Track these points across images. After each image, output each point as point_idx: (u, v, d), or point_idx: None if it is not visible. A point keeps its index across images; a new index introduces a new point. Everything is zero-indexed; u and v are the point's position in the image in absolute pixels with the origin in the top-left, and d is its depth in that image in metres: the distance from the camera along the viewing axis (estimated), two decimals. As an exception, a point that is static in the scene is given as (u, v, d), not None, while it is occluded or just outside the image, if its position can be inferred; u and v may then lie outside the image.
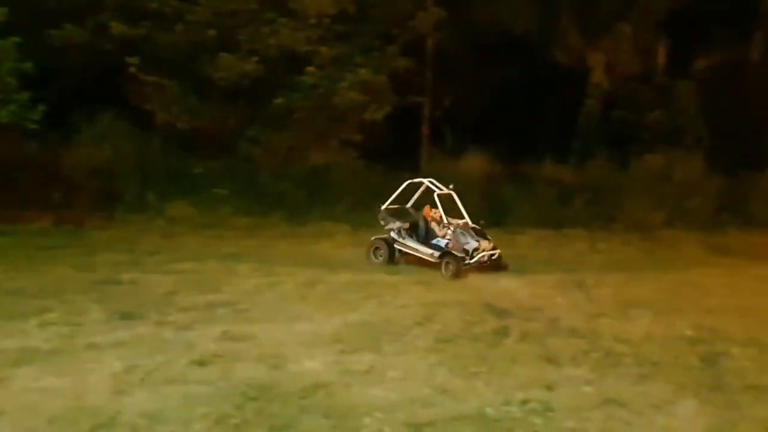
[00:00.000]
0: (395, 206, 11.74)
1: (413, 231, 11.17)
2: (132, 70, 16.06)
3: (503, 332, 7.10)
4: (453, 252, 10.31)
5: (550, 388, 5.48)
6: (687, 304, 9.13)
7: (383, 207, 11.59)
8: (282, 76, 16.90)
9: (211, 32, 16.36)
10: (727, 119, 22.04)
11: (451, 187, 11.44)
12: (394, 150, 20.51)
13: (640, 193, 17.94)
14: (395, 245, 11.11)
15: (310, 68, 16.42)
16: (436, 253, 10.54)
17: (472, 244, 10.40)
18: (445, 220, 10.89)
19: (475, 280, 10.02)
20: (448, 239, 10.54)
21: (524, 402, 5.10)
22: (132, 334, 6.52)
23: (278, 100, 16.48)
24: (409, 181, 11.87)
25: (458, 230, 10.59)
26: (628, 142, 20.30)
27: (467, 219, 11.08)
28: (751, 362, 6.42)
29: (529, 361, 6.17)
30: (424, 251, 10.75)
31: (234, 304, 7.82)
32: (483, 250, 10.46)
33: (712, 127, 21.22)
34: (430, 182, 11.62)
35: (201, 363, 5.75)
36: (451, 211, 11.33)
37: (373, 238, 11.53)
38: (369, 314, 7.60)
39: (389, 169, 18.69)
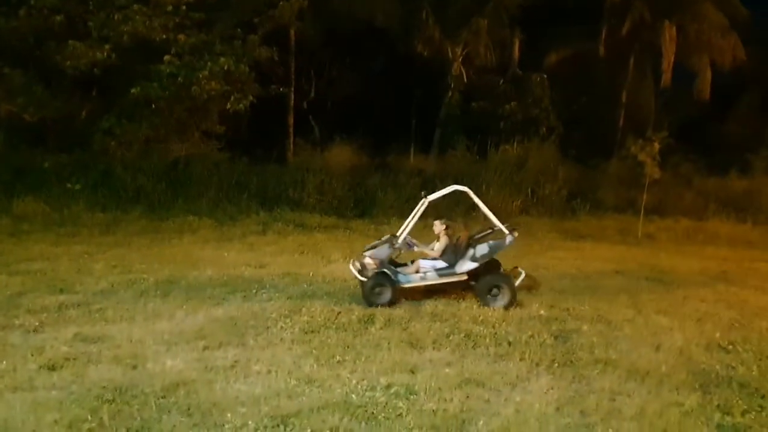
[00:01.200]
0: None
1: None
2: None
3: (369, 320, 7.20)
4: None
5: (413, 371, 5.63)
6: (541, 286, 9.70)
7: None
8: (137, 64, 16.11)
9: (59, 18, 15.30)
10: (577, 110, 23.62)
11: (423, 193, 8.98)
12: (260, 141, 20.23)
13: (497, 182, 18.79)
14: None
15: (167, 57, 15.77)
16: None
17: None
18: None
19: (340, 270, 10.06)
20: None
21: (388, 386, 5.20)
22: (-29, 341, 6.00)
23: (134, 90, 15.68)
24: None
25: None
26: (487, 133, 21.19)
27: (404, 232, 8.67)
28: (598, 337, 6.92)
29: (393, 347, 6.29)
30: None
31: (88, 304, 7.39)
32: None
33: (564, 117, 22.63)
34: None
35: (51, 367, 5.39)
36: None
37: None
38: (234, 309, 7.44)
39: (255, 162, 18.42)
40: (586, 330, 7.19)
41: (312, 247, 12.36)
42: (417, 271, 8.44)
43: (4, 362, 5.48)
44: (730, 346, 6.71)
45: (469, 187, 9.01)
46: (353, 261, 8.72)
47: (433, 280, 8.34)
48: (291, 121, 21.82)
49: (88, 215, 14.15)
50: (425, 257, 8.65)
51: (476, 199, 8.72)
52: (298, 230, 14.48)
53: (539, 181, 19.30)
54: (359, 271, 8.26)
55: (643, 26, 22.97)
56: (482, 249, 8.40)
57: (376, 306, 7.75)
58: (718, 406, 5.10)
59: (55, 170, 15.68)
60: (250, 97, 17.33)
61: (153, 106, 16.39)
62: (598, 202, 19.57)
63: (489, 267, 8.59)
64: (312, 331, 6.70)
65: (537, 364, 5.98)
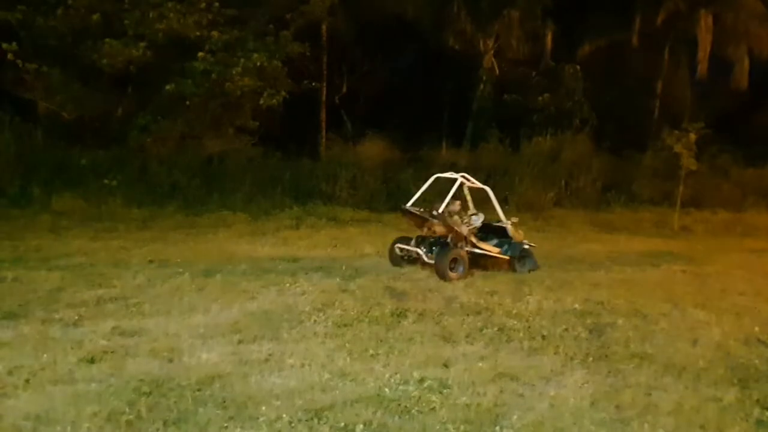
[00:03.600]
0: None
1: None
2: (10, 57, 15.11)
3: (401, 314, 7.20)
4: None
5: (446, 365, 5.62)
6: (576, 279, 9.62)
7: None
8: (172, 62, 16.35)
9: (95, 17, 15.60)
10: (611, 102, 23.30)
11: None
12: (292, 137, 20.37)
13: (531, 174, 18.67)
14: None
15: (201, 53, 15.97)
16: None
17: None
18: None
19: (373, 264, 10.10)
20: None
21: (421, 380, 5.20)
22: (15, 334, 6.15)
23: (169, 87, 15.92)
24: (436, 176, 10.79)
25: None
26: (519, 125, 21.05)
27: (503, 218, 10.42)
28: (634, 332, 6.83)
29: (426, 341, 6.30)
30: (495, 250, 10.09)
31: (125, 298, 7.52)
32: None
33: (598, 109, 22.35)
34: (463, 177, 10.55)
35: (90, 360, 5.50)
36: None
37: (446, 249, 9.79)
38: (268, 303, 7.51)
39: (288, 156, 18.57)
40: (622, 324, 7.10)
41: (345, 241, 12.42)
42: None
43: (45, 355, 5.61)
44: (771, 340, 6.58)
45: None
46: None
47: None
48: (323, 115, 21.94)
49: (124, 211, 14.42)
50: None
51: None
52: (331, 224, 14.56)
53: (573, 174, 19.13)
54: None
55: (678, 16, 22.55)
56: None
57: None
58: (757, 401, 5.00)
59: (93, 167, 15.99)
60: (283, 93, 17.47)
61: (187, 102, 16.62)
62: (633, 195, 19.34)
63: None
64: (345, 325, 6.74)
65: (571, 358, 5.93)
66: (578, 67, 22.43)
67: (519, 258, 10.01)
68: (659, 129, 20.59)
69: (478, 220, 10.09)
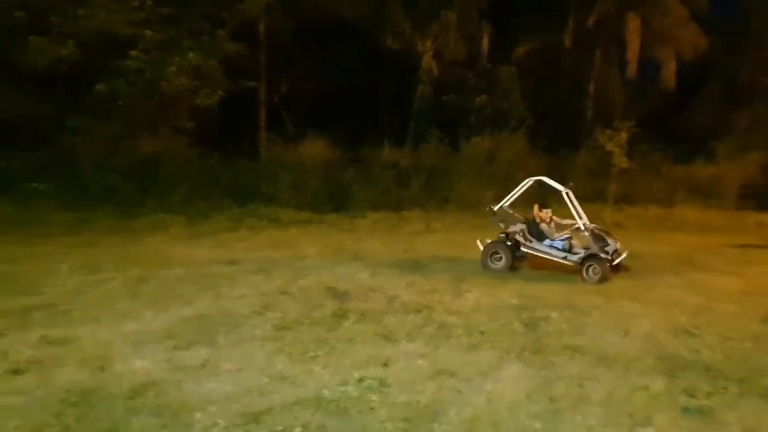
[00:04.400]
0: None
1: (530, 233, 10.28)
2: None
3: (342, 315, 7.18)
4: (598, 254, 9.53)
5: (386, 364, 5.63)
6: (512, 275, 9.80)
7: (498, 207, 10.77)
8: (103, 60, 15.86)
9: (19, 14, 14.98)
10: (546, 102, 23.81)
11: (570, 185, 10.64)
12: (231, 137, 20.05)
13: (470, 173, 18.90)
14: (522, 248, 10.18)
15: (134, 52, 15.56)
16: (573, 257, 9.75)
17: (611, 245, 9.72)
18: (561, 221, 10.34)
19: (314, 266, 10.04)
20: (565, 239, 9.93)
21: (361, 380, 5.19)
22: (-66, 348, 5.86)
23: (100, 86, 15.43)
24: (529, 179, 10.86)
25: (595, 230, 9.93)
26: (458, 126, 21.28)
27: (585, 219, 10.13)
28: (567, 325, 6.99)
29: (366, 341, 6.29)
30: (556, 254, 9.93)
31: (54, 306, 7.25)
32: (620, 252, 9.82)
33: (533, 109, 22.79)
34: (544, 180, 10.64)
35: (15, 372, 5.29)
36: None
37: (488, 242, 10.48)
38: (205, 307, 7.37)
39: (226, 157, 18.28)
40: (555, 317, 7.26)
41: (286, 242, 12.32)
42: None
43: (-32, 368, 5.37)
44: (696, 330, 6.83)
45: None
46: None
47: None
48: (263, 115, 21.69)
49: (54, 215, 13.92)
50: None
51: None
52: (272, 225, 14.42)
53: (510, 173, 19.42)
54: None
55: (609, 18, 23.23)
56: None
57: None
58: (683, 389, 5.17)
59: (22, 170, 15.39)
60: (220, 92, 17.20)
61: (120, 102, 16.16)
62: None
63: None
64: (284, 328, 6.67)
65: (508, 353, 6.02)
66: (514, 68, 22.84)
67: (584, 265, 9.58)
68: (592, 128, 21.14)
69: (515, 225, 10.33)
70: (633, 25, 22.89)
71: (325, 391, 5.00)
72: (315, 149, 19.33)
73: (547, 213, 10.32)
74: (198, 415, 4.52)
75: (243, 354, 5.83)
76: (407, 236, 14.11)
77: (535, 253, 10.09)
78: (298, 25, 21.25)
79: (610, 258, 9.51)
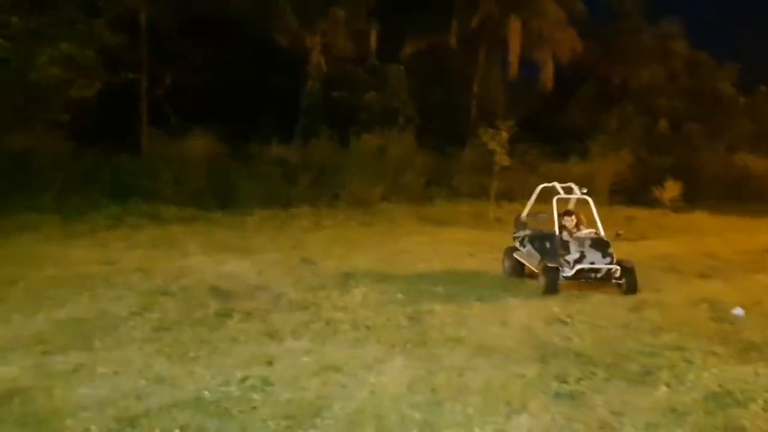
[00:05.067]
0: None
1: (546, 241, 9.57)
2: None
3: (226, 314, 7.05)
4: (548, 263, 8.84)
5: (270, 363, 5.57)
6: (400, 270, 9.98)
7: (522, 215, 10.44)
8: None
9: None
10: (433, 101, 24.40)
11: (584, 191, 9.83)
12: (111, 131, 19.14)
13: (360, 170, 19.06)
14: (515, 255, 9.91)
15: (-1, 40, 14.52)
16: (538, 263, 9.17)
17: (573, 254, 8.77)
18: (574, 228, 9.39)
19: (198, 264, 9.78)
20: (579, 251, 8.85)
21: (243, 380, 5.11)
22: None
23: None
24: (542, 186, 10.37)
25: (569, 238, 9.01)
26: (348, 123, 21.39)
27: (599, 228, 9.34)
28: (450, 317, 7.21)
29: (250, 339, 6.21)
30: (533, 262, 9.42)
31: None
32: (590, 263, 8.73)
33: (421, 107, 23.27)
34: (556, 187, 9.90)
35: None
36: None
37: (506, 248, 10.31)
38: (79, 310, 7.02)
39: (105, 152, 17.44)
40: (439, 310, 7.46)
41: (167, 240, 11.94)
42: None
43: None
44: (568, 319, 7.23)
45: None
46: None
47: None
48: (144, 109, 20.84)
49: None
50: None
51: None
52: (153, 223, 13.93)
53: (399, 170, 19.78)
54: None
55: (492, 20, 24.07)
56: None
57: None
58: (556, 375, 5.47)
59: None
60: (98, 85, 16.36)
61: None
62: (453, 189, 20.38)
63: None
64: (165, 329, 6.47)
65: (392, 346, 6.12)
66: (402, 66, 23.20)
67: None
68: (476, 127, 21.87)
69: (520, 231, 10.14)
70: (514, 27, 23.87)
71: (206, 392, 4.89)
72: (199, 144, 18.85)
73: (571, 220, 9.45)
74: (69, 421, 4.30)
75: (119, 357, 5.61)
76: (296, 233, 14.04)
77: (522, 260, 9.78)
78: (183, 16, 20.56)
79: (567, 270, 8.67)
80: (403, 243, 13.03)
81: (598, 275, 8.75)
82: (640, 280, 8.90)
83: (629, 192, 22.31)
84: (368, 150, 20.36)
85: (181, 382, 5.09)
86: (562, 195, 9.74)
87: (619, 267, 8.74)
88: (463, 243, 13.15)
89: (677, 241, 15.00)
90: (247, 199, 16.99)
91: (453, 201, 19.52)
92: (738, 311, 7.72)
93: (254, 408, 4.65)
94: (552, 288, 8.56)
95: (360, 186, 18.51)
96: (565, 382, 5.34)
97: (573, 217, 9.51)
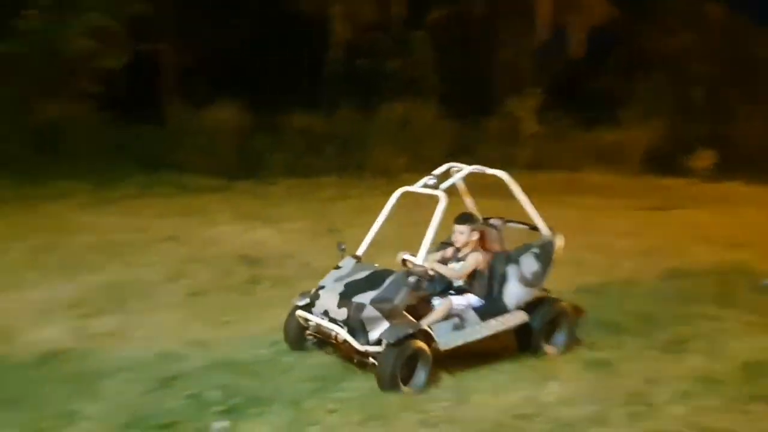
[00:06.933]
0: None
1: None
2: None
3: (256, 281, 7.19)
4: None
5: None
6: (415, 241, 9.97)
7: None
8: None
9: None
10: (457, 68, 24.08)
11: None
12: (138, 101, 19.30)
13: (384, 140, 18.99)
14: None
15: (29, 11, 14.62)
16: None
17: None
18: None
19: (226, 233, 9.88)
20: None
21: (274, 344, 5.22)
22: None
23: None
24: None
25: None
26: (372, 91, 21.23)
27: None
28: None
29: (280, 305, 6.27)
30: None
31: (-51, 277, 6.91)
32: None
33: (445, 75, 22.99)
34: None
35: None
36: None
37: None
38: (114, 275, 7.20)
39: (133, 122, 17.62)
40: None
41: (196, 209, 12.06)
42: (450, 316, 5.00)
43: None
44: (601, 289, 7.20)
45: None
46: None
47: (479, 332, 4.98)
48: (171, 79, 20.94)
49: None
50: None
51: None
52: (181, 192, 14.07)
53: (422, 139, 19.63)
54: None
55: (520, -16, 23.61)
56: (529, 263, 5.37)
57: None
58: (586, 344, 5.49)
59: None
60: (125, 55, 16.46)
61: (17, 65, 15.21)
62: (479, 158, 20.18)
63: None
64: (197, 294, 6.64)
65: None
66: (426, 33, 22.88)
67: None
68: (503, 95, 21.55)
69: None
70: (542, -8, 23.38)
71: (240, 355, 5.02)
72: (225, 114, 18.88)
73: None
74: (108, 381, 4.47)
75: (155, 321, 5.77)
76: (321, 202, 14.09)
77: None
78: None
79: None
80: (428, 213, 13.03)
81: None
82: (669, 250, 8.79)
83: (661, 161, 21.90)
84: (392, 119, 20.24)
85: (215, 345, 5.23)
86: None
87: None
88: (490, 213, 13.09)
89: (711, 210, 14.74)
90: (273, 169, 17.06)
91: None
92: None
93: (285, 371, 4.76)
94: None
95: (384, 155, 18.45)
96: (596, 350, 5.35)
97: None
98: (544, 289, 5.57)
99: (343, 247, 5.45)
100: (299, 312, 5.00)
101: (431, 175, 5.59)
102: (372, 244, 5.51)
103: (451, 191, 5.32)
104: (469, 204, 6.12)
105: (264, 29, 22.64)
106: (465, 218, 5.53)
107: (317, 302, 4.91)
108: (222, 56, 22.82)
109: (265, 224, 10.74)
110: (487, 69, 24.63)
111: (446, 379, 4.72)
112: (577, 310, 5.88)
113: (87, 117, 16.93)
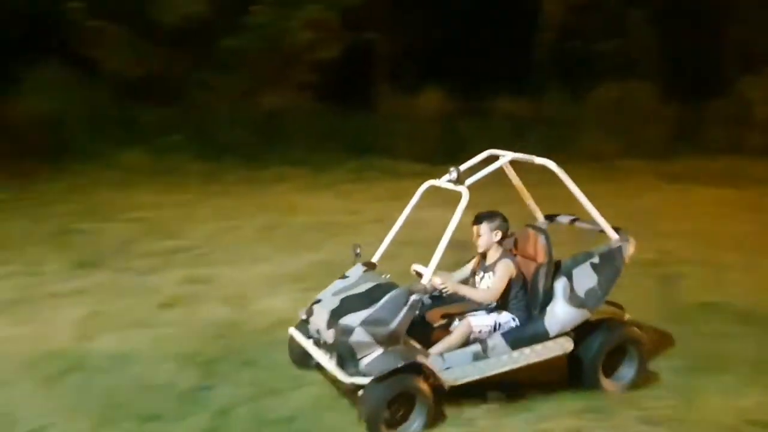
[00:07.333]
0: None
1: None
2: (76, 16, 15.45)
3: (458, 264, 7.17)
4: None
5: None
6: (641, 228, 9.38)
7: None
8: (228, 16, 16.37)
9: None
10: (681, 47, 22.20)
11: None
12: (349, 90, 20.21)
13: (595, 124, 18.15)
14: None
15: (257, 7, 15.92)
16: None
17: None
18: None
19: (433, 217, 10.00)
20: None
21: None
22: (92, 282, 6.46)
23: (226, 42, 15.97)
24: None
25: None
26: (583, 74, 20.35)
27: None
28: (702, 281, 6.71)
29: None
30: None
31: (194, 248, 7.77)
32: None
33: (667, 55, 21.34)
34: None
35: (166, 305, 5.75)
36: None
37: None
38: (331, 253, 7.62)
39: (345, 110, 18.52)
40: (687, 272, 7.07)
41: (403, 193, 12.27)
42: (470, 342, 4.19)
43: (122, 301, 5.87)
44: None
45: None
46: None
47: (505, 363, 4.14)
48: (382, 67, 21.69)
49: (187, 166, 14.67)
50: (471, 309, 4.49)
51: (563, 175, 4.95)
52: (390, 177, 14.53)
53: (639, 123, 18.49)
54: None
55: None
56: (584, 277, 4.45)
57: None
58: None
59: (155, 123, 16.31)
60: (340, 45, 17.33)
61: (245, 57, 16.67)
62: (703, 144, 18.56)
63: None
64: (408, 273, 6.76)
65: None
66: (644, 10, 21.38)
67: None
68: (733, 74, 19.54)
69: None
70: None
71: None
72: (432, 100, 19.20)
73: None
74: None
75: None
76: (527, 188, 13.77)
77: None
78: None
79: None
80: (645, 200, 12.26)
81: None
82: None
83: None
84: (605, 103, 19.26)
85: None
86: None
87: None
88: (716, 203, 11.99)
89: None
90: (477, 154, 17.01)
91: (703, 157, 17.80)
92: None
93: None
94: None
95: (595, 140, 17.63)
96: None
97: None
98: (618, 305, 4.55)
99: (358, 251, 4.88)
100: (291, 330, 4.43)
101: (454, 168, 4.64)
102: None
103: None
104: (526, 199, 5.45)
105: (473, 14, 22.55)
106: (482, 216, 4.78)
107: (311, 319, 4.24)
108: (431, 43, 23.16)
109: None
110: (716, 47, 22.44)
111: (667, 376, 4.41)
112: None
113: (305, 106, 18.13)
